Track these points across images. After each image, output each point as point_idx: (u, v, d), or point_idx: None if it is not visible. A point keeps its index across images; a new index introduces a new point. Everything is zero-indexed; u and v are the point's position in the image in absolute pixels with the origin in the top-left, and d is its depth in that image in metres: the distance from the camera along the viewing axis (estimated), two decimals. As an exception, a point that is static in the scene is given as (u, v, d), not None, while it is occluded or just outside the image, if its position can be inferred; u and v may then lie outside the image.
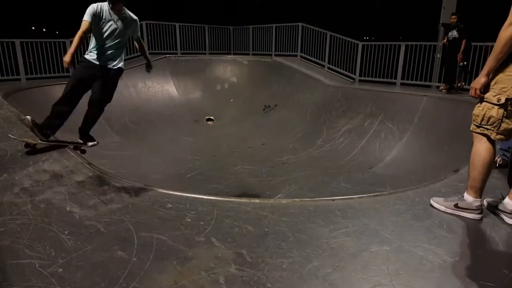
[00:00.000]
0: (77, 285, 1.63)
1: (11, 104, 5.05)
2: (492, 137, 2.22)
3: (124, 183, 2.93)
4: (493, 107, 2.18)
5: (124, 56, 3.75)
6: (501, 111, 2.15)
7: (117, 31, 3.52)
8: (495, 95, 2.16)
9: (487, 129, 2.22)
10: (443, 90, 7.39)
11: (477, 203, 2.33)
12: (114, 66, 3.59)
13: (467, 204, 2.35)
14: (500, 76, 2.15)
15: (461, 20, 7.27)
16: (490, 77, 2.21)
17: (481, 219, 2.34)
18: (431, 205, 2.55)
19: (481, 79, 2.22)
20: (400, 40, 8.72)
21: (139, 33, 3.82)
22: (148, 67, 3.99)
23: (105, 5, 3.45)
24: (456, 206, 2.40)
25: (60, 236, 2.05)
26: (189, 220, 2.31)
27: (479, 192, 2.32)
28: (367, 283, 1.69)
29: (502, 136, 2.22)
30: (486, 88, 2.24)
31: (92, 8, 3.40)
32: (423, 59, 8.19)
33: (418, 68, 8.28)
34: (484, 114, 2.22)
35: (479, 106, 2.27)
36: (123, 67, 3.67)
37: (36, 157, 3.28)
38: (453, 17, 7.43)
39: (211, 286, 1.65)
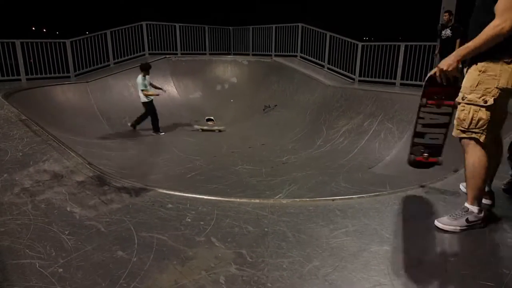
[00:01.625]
0: (78, 285, 1.64)
1: (12, 104, 5.05)
2: (481, 140, 2.08)
3: (124, 183, 2.93)
4: (480, 109, 2.05)
5: None
6: (489, 113, 2.04)
7: None
8: (480, 97, 2.04)
9: (475, 132, 2.09)
10: None
11: (481, 212, 2.21)
12: None
13: (476, 217, 2.20)
14: (482, 76, 2.04)
15: (458, 20, 7.25)
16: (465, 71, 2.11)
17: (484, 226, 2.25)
18: (437, 227, 2.23)
19: (453, 63, 2.06)
20: (399, 40, 8.72)
21: None
22: None
23: None
24: (467, 221, 2.21)
25: (61, 236, 2.06)
26: (189, 220, 2.31)
27: (481, 200, 2.22)
28: (367, 282, 1.69)
29: (488, 139, 2.09)
30: (455, 79, 2.14)
31: None
32: (422, 59, 8.19)
33: (417, 68, 8.28)
34: (472, 117, 2.08)
35: (463, 110, 2.12)
36: None
37: (37, 157, 3.28)
38: (446, 14, 7.37)
39: (212, 285, 1.65)
